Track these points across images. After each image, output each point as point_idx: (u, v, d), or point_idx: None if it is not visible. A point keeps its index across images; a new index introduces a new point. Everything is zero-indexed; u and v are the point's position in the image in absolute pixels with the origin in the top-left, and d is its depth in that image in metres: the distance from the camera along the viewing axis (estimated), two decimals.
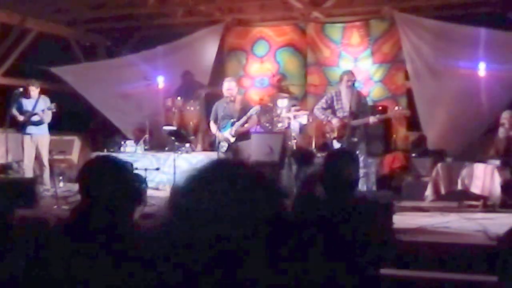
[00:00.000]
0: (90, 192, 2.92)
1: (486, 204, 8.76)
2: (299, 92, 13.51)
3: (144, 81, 13.12)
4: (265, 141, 10.62)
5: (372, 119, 9.18)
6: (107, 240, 2.70)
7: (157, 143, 12.84)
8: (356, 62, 13.03)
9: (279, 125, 11.95)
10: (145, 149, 12.53)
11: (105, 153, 11.68)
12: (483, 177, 8.69)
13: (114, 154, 11.97)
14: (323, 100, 9.55)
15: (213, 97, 11.30)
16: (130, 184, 2.98)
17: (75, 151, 12.58)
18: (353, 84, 9.31)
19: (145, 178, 8.87)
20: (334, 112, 9.30)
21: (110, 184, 2.89)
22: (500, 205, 8.49)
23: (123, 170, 3.02)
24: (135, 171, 3.13)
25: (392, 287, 6.08)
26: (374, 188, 9.72)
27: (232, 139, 9.38)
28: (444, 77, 11.56)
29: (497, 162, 8.82)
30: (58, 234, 2.97)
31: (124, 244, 2.63)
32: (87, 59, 14.84)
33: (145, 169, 9.84)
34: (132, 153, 12.18)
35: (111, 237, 2.72)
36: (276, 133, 11.61)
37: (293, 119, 11.89)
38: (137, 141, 12.74)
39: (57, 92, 13.36)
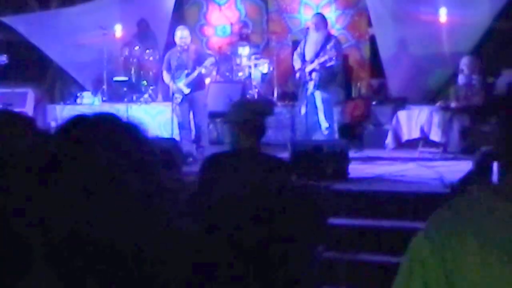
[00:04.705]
0: None
1: (446, 151, 8.69)
2: (260, 40, 13.19)
3: (101, 30, 12.68)
4: (224, 91, 10.37)
5: (317, 62, 8.92)
6: None
7: (115, 94, 12.43)
8: (318, 8, 12.70)
9: (239, 74, 11.68)
10: (103, 101, 12.14)
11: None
12: (442, 124, 8.66)
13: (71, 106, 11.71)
14: (299, 45, 9.42)
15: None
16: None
17: (29, 103, 12.15)
18: (319, 27, 9.06)
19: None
20: (303, 57, 9.10)
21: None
22: (459, 151, 8.43)
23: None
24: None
25: (346, 236, 6.01)
26: (336, 136, 9.55)
27: (187, 90, 9.10)
28: (406, 23, 11.35)
29: (456, 108, 8.79)
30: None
31: None
32: (41, 7, 14.30)
33: None
34: (90, 105, 11.85)
35: None
36: (235, 82, 11.36)
37: (254, 67, 11.62)
38: (94, 92, 12.38)
39: (9, 42, 12.91)
